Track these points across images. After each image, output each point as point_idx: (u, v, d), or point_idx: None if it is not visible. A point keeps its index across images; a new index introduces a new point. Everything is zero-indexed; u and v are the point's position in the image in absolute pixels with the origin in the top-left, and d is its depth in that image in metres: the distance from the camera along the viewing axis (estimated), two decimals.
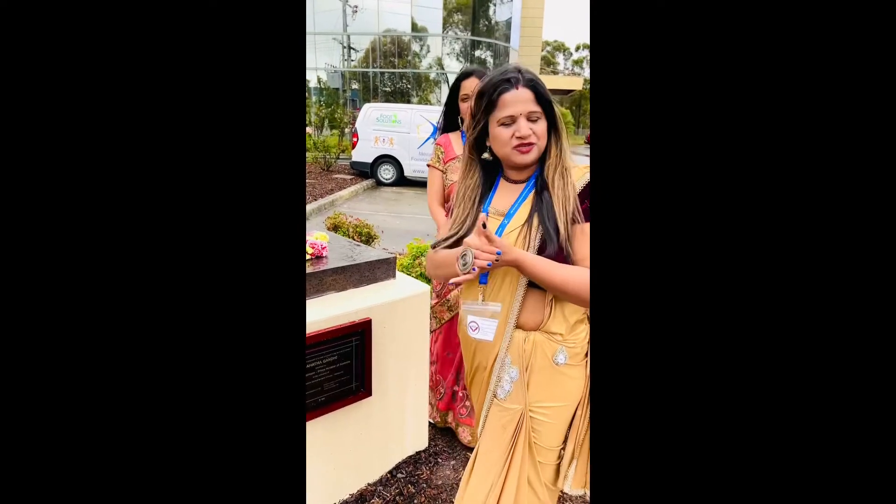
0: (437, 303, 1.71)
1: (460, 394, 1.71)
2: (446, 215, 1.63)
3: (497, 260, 0.89)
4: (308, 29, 14.75)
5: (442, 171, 1.65)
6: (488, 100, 0.95)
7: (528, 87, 0.93)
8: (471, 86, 1.57)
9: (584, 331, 1.03)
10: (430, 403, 1.77)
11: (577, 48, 40.80)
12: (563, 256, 0.94)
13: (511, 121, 0.94)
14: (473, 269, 0.89)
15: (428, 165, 1.69)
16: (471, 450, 1.69)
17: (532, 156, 0.96)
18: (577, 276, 0.92)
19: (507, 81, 0.93)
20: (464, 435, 1.73)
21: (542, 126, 0.95)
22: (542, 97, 0.94)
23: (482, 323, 1.04)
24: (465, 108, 1.60)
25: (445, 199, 1.67)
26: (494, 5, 16.61)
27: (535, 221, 0.96)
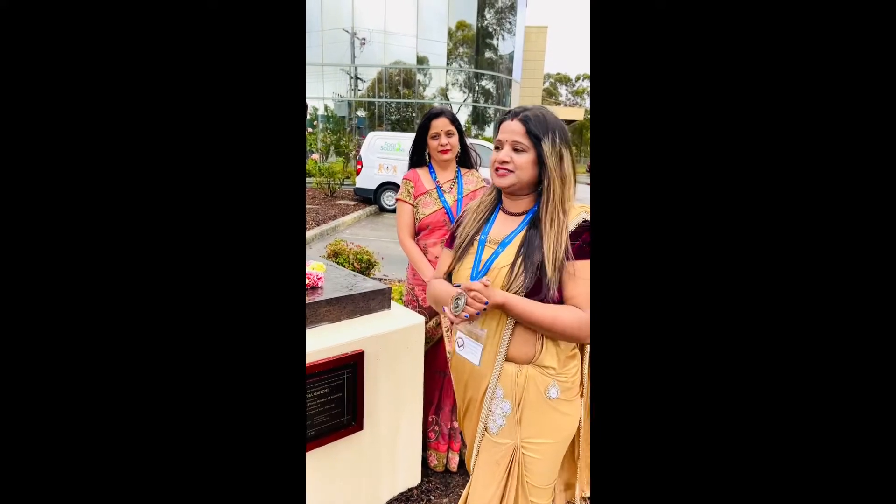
0: None
1: (430, 418, 1.74)
2: (421, 248, 1.67)
3: (485, 309, 0.96)
4: (317, 60, 15.27)
5: (412, 205, 1.68)
6: (495, 127, 1.06)
7: (521, 120, 1.00)
8: (440, 125, 1.63)
9: (575, 365, 1.04)
10: None
11: (578, 79, 41.82)
12: (544, 295, 0.96)
13: (500, 145, 1.03)
14: (466, 316, 0.96)
15: (397, 199, 1.71)
16: (453, 474, 1.66)
17: (506, 181, 1.01)
18: (563, 315, 0.95)
19: (508, 114, 1.04)
20: (431, 459, 1.76)
21: (525, 158, 0.99)
22: (531, 132, 0.99)
23: (468, 341, 1.08)
24: (434, 145, 1.65)
25: (416, 232, 1.70)
26: (497, 39, 17.18)
27: (521, 260, 0.99)
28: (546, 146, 0.98)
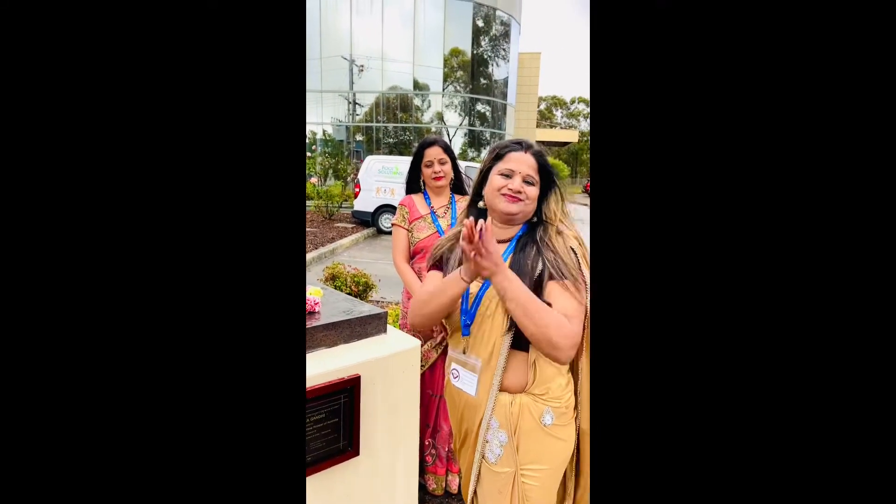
0: None
1: (427, 441, 1.75)
2: (415, 271, 1.71)
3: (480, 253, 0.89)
4: (317, 87, 15.59)
5: (407, 229, 1.74)
6: (497, 153, 1.08)
7: (534, 156, 1.06)
8: (433, 153, 1.70)
9: (568, 390, 1.05)
10: None
11: (573, 101, 42.69)
12: None
13: (510, 173, 1.04)
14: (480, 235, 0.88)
15: (393, 224, 1.78)
16: (452, 498, 1.67)
17: (516, 207, 1.03)
18: (550, 312, 0.92)
19: (518, 144, 1.08)
20: (429, 483, 1.77)
21: (534, 191, 1.05)
22: (544, 168, 1.06)
23: (462, 372, 1.09)
24: (429, 173, 1.72)
25: (412, 256, 1.75)
26: (492, 66, 17.64)
27: None
28: (558, 181, 1.08)
